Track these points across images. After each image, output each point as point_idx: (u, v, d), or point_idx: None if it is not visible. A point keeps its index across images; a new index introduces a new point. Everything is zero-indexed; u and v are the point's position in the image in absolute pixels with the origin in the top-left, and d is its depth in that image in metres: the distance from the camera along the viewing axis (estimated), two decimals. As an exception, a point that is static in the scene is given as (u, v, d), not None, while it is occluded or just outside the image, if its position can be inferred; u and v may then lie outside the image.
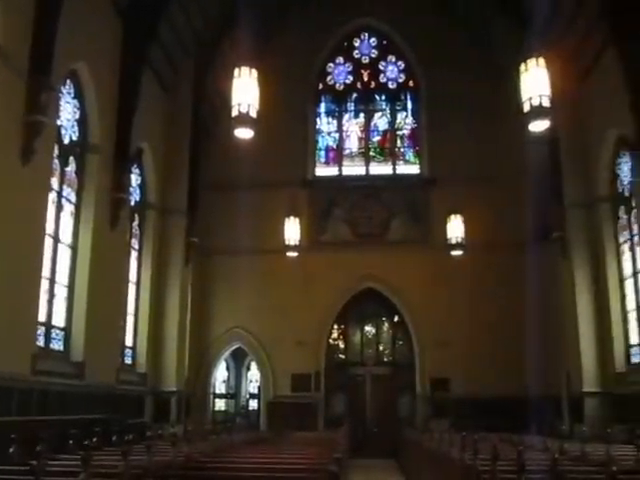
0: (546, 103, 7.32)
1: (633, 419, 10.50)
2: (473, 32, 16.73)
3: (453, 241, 13.67)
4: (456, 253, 13.71)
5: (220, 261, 16.28)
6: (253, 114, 7.31)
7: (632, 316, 11.98)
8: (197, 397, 15.63)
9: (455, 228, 13.71)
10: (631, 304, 12.02)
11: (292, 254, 13.88)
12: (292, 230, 13.83)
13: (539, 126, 7.52)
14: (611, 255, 12.65)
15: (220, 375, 19.52)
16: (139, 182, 13.74)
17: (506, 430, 10.16)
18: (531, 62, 7.53)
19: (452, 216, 13.79)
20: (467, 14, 16.64)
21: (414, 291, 15.88)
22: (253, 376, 19.94)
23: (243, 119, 7.30)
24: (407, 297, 16.09)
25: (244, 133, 7.50)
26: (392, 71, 18.30)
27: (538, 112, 7.33)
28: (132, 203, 12.93)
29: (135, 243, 13.44)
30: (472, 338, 15.17)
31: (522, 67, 7.57)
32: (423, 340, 15.88)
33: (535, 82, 7.39)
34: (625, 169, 12.31)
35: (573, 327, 12.85)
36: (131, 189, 12.65)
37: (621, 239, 12.52)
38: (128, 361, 12.81)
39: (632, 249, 12.02)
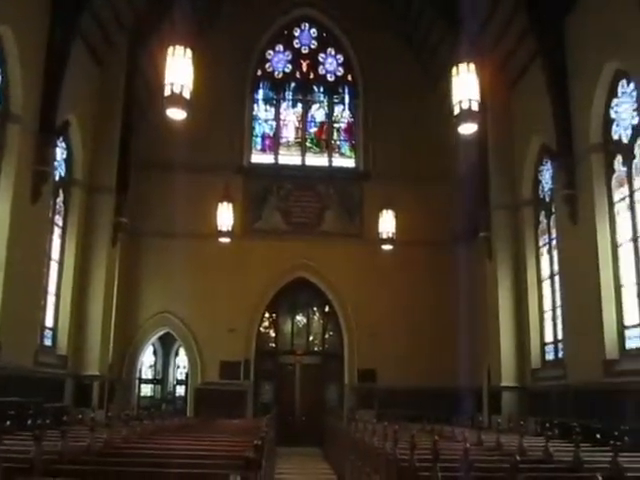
0: (475, 107, 7.45)
1: (545, 412, 11.13)
2: (412, 32, 17.02)
3: (384, 235, 13.79)
4: (387, 247, 13.92)
5: (150, 243, 15.89)
6: (186, 95, 7.09)
7: (548, 316, 12.57)
8: (122, 382, 15.24)
9: (387, 223, 13.83)
10: (547, 304, 12.60)
11: (225, 240, 13.70)
12: (225, 216, 13.62)
13: (468, 129, 7.65)
14: (531, 257, 13.20)
15: (147, 360, 19.16)
16: (65, 156, 13.13)
17: (430, 421, 10.49)
18: (462, 67, 7.67)
19: (384, 211, 13.91)
20: (406, 14, 16.90)
21: (346, 282, 16.07)
22: (181, 362, 19.69)
23: (176, 99, 7.07)
24: (338, 288, 16.25)
25: (177, 114, 7.28)
26: (331, 64, 18.36)
27: (467, 115, 7.43)
28: (57, 178, 12.37)
29: (59, 220, 12.87)
30: (401, 331, 15.51)
31: (454, 71, 7.68)
32: (353, 331, 16.11)
33: (465, 86, 7.49)
34: (547, 176, 12.83)
35: (495, 324, 13.37)
36: (56, 164, 12.08)
37: (541, 242, 13.06)
38: (48, 343, 12.32)
39: (550, 252, 12.55)
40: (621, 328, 9.67)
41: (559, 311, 11.83)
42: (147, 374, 19.55)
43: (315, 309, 17.11)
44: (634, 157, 9.63)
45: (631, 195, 9.64)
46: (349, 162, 17.76)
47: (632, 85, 9.61)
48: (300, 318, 17.17)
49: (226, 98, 16.37)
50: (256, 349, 16.12)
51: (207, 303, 15.54)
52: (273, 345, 16.85)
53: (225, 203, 13.59)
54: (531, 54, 12.37)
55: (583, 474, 4.93)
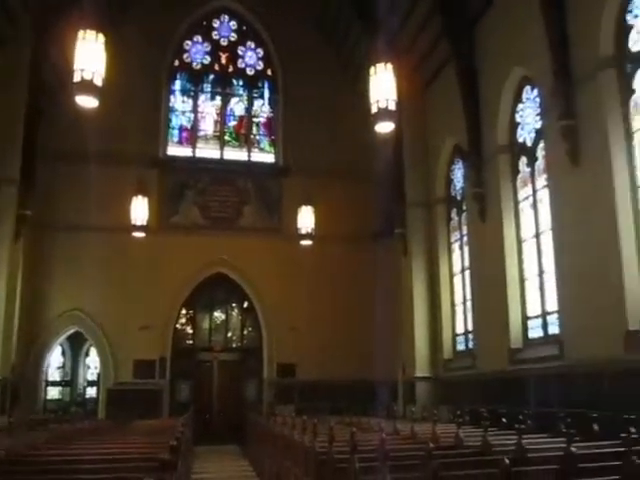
0: (392, 107, 7.76)
1: (457, 400, 11.70)
2: (332, 30, 17.26)
3: (303, 231, 13.94)
4: (305, 243, 14.09)
5: (60, 238, 15.14)
6: (98, 82, 6.85)
7: (459, 308, 13.21)
8: (26, 384, 14.50)
9: (305, 219, 13.99)
10: (459, 297, 13.25)
11: (139, 235, 13.34)
12: (139, 209, 13.24)
13: (385, 128, 7.94)
14: (444, 252, 13.84)
15: (55, 361, 18.36)
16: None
17: (349, 413, 10.74)
18: (380, 67, 7.95)
19: (303, 207, 14.06)
20: (325, 11, 17.11)
21: (265, 278, 16.09)
22: (92, 362, 19.00)
23: (86, 86, 6.80)
24: (258, 284, 16.25)
25: (87, 102, 7.00)
26: (251, 57, 18.28)
27: (384, 114, 7.76)
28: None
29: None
30: (320, 325, 15.73)
31: (371, 70, 7.96)
32: (272, 326, 16.16)
33: (382, 86, 7.79)
34: (459, 175, 13.46)
35: (409, 318, 13.91)
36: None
37: (453, 238, 13.71)
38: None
39: (461, 248, 13.20)
40: (525, 319, 10.37)
41: (469, 304, 12.47)
42: (55, 376, 18.73)
43: (234, 305, 17.01)
44: (537, 159, 10.31)
45: (534, 194, 10.31)
46: (268, 157, 17.77)
47: (536, 91, 10.28)
48: (218, 314, 17.03)
49: (141, 87, 15.92)
50: (172, 347, 15.82)
51: (121, 300, 15.07)
52: (190, 342, 16.61)
53: (140, 196, 13.24)
54: (445, 57, 12.92)
55: (491, 457, 5.20)
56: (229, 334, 16.95)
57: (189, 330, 16.71)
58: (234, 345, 16.89)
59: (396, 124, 8.26)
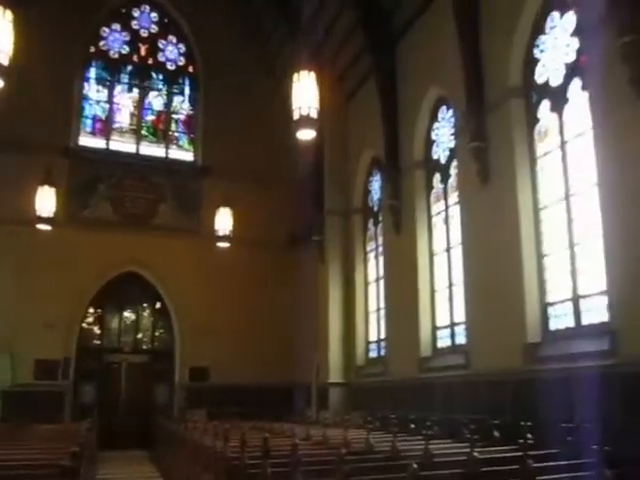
0: (314, 115, 7.92)
1: (368, 406, 12.11)
2: (257, 34, 17.33)
3: (221, 233, 13.82)
4: (223, 245, 13.99)
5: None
6: (4, 62, 6.48)
7: (373, 317, 13.68)
8: None
9: (224, 220, 13.88)
10: (373, 306, 13.71)
11: (44, 227, 12.64)
12: (46, 201, 12.61)
13: (306, 135, 8.06)
14: (360, 261, 14.28)
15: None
16: None
17: (262, 418, 10.88)
18: (303, 74, 8.13)
19: (221, 208, 13.96)
20: (248, 14, 17.17)
21: (180, 279, 15.92)
22: (-13, 363, 17.98)
23: (-9, 66, 6.39)
24: (172, 284, 16.06)
25: (-8, 82, 6.63)
26: (172, 52, 18.05)
27: (306, 122, 7.89)
28: None
29: None
30: (236, 329, 15.78)
31: (295, 77, 8.07)
32: (185, 329, 16.02)
33: (305, 93, 7.92)
34: (376, 186, 13.93)
35: (325, 324, 14.21)
36: None
37: (369, 248, 14.16)
38: None
39: (377, 258, 13.66)
40: (434, 329, 10.96)
41: (383, 312, 12.95)
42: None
43: (145, 305, 16.71)
44: (450, 176, 10.92)
45: (446, 210, 10.92)
46: (187, 155, 17.60)
47: (451, 112, 10.88)
48: (129, 314, 16.66)
49: (52, 72, 15.21)
50: (78, 347, 15.33)
51: (22, 296, 14.38)
52: (98, 342, 16.16)
53: (46, 187, 12.63)
54: (368, 70, 13.33)
55: (400, 462, 5.40)
56: (139, 335, 16.63)
57: (97, 330, 16.25)
58: (144, 347, 16.60)
59: (317, 132, 8.44)
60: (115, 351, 16.18)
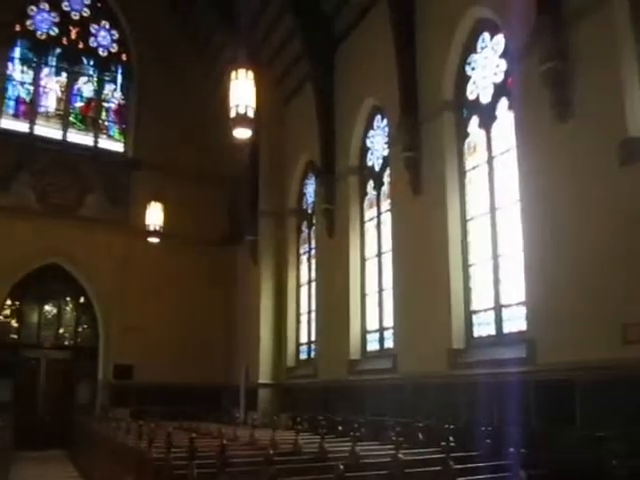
0: (250, 114, 8.02)
1: (298, 408, 12.33)
2: (196, 28, 17.12)
3: (151, 228, 13.59)
4: (153, 240, 13.74)
5: None
6: None
7: (304, 319, 13.91)
8: None
9: (154, 215, 13.65)
10: (304, 308, 13.94)
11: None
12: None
13: (242, 134, 8.12)
14: (293, 263, 14.46)
15: None
16: None
17: (191, 418, 10.87)
18: (241, 73, 8.20)
19: (153, 203, 13.73)
20: (190, 9, 16.97)
21: (107, 273, 15.52)
22: None
23: None
24: (98, 278, 15.62)
25: None
26: (105, 38, 17.54)
27: (242, 121, 7.97)
28: None
29: None
30: (164, 327, 15.57)
31: (233, 75, 8.13)
32: (110, 325, 15.64)
33: (243, 92, 7.99)
34: (310, 189, 14.14)
35: (256, 325, 14.31)
36: None
37: (302, 250, 14.37)
38: None
39: (309, 260, 13.89)
40: (364, 332, 11.29)
41: (314, 314, 13.20)
42: None
43: (68, 299, 16.20)
44: (383, 184, 11.27)
45: (378, 216, 11.27)
46: (118, 146, 17.17)
47: (386, 121, 11.21)
48: (50, 308, 16.11)
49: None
50: (-8, 340, 14.76)
51: None
52: (15, 337, 15.54)
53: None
54: (305, 75, 13.47)
55: (327, 463, 5.62)
56: (61, 330, 16.11)
57: (14, 323, 15.65)
58: (66, 342, 16.08)
59: (254, 132, 8.53)
60: (34, 346, 15.59)
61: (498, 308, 8.20)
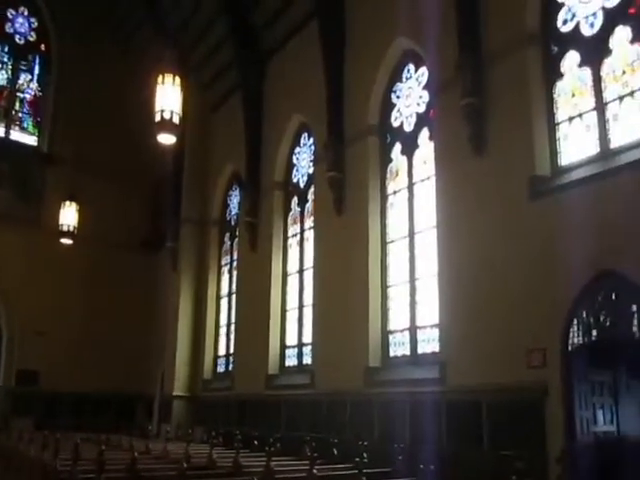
0: (176, 120, 8.00)
1: (214, 421, 12.33)
2: (124, 28, 16.82)
3: (65, 228, 13.21)
4: (66, 241, 13.35)
5: None
6: None
7: (223, 330, 13.91)
8: None
9: (69, 215, 13.27)
10: (224, 319, 13.94)
11: None
12: None
13: (167, 139, 8.09)
14: (213, 274, 14.41)
15: None
16: None
17: (102, 429, 10.66)
18: (168, 77, 8.26)
19: (68, 202, 13.34)
20: (115, 6, 16.64)
21: (12, 274, 14.76)
22: None
23: None
24: (4, 278, 14.78)
25: None
26: (22, 25, 16.88)
27: (167, 126, 7.93)
28: None
29: None
30: (77, 332, 15.10)
31: (159, 79, 8.09)
32: (14, 327, 14.92)
33: (169, 97, 7.96)
34: (235, 201, 14.17)
35: (173, 335, 14.18)
36: None
37: (223, 261, 14.35)
38: None
39: (231, 272, 13.91)
40: (283, 347, 11.48)
41: (233, 327, 13.25)
42: None
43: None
44: (307, 201, 11.52)
45: (301, 233, 11.51)
46: (31, 140, 16.49)
47: (312, 139, 11.48)
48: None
49: None
50: None
51: None
52: None
53: None
54: (235, 84, 13.45)
55: (241, 478, 5.77)
56: (-42, 333, 15.29)
57: None
58: (-38, 346, 15.29)
59: (179, 138, 8.56)
60: None
61: (413, 329, 8.64)
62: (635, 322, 5.92)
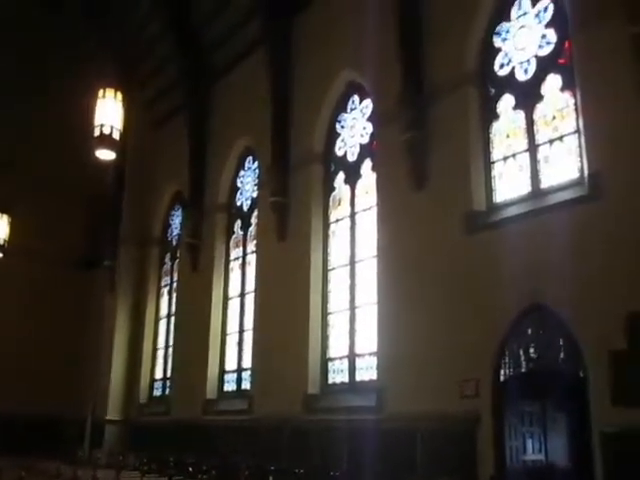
0: (116, 135, 7.94)
1: (148, 446, 12.01)
2: (66, 36, 16.38)
3: None
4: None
5: None
6: None
7: (161, 354, 13.65)
8: None
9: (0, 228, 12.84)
10: (162, 342, 13.69)
11: None
12: None
13: (106, 155, 7.98)
14: (152, 295, 14.13)
15: None
16: None
17: (28, 454, 10.27)
18: (110, 92, 8.22)
19: (-1, 214, 12.76)
20: (60, 13, 16.23)
21: None
22: None
23: None
24: None
25: None
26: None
27: (107, 142, 7.84)
28: None
29: None
30: (3, 352, 14.45)
31: (100, 93, 8.01)
32: None
33: (109, 112, 7.88)
34: (177, 221, 13.98)
35: (108, 356, 13.83)
36: None
37: (163, 282, 14.11)
38: None
39: (170, 293, 13.69)
40: (222, 372, 11.37)
41: (171, 350, 13.05)
42: None
43: None
44: (250, 225, 11.54)
45: (244, 257, 11.51)
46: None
47: (257, 163, 11.58)
48: None
49: None
50: None
51: None
52: None
53: None
54: (182, 103, 13.25)
55: None
56: None
57: None
58: None
59: (121, 154, 8.44)
60: None
61: (352, 357, 8.80)
62: (562, 355, 6.27)
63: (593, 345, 5.90)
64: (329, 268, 9.62)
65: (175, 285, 13.52)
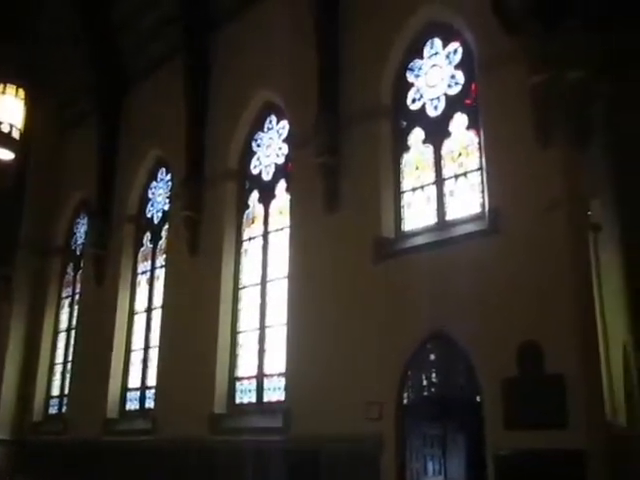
0: (16, 135, 7.76)
1: (41, 469, 11.51)
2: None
3: None
4: None
5: None
6: None
7: (59, 369, 13.03)
8: None
9: None
10: (60, 357, 13.08)
11: None
12: None
13: (4, 155, 7.75)
14: (52, 307, 13.47)
15: None
16: None
17: None
18: (11, 88, 7.90)
19: None
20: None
21: None
22: None
23: None
24: None
25: None
26: None
27: (5, 140, 7.66)
28: None
29: None
30: None
31: (0, 87, 7.77)
32: None
33: (10, 109, 7.65)
34: (82, 230, 13.43)
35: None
36: None
37: (64, 294, 13.49)
38: None
39: (72, 305, 13.14)
40: (124, 390, 11.04)
41: (70, 366, 12.52)
42: None
43: None
44: (160, 238, 11.31)
45: (152, 271, 11.26)
46: None
47: (169, 175, 11.41)
48: None
49: None
50: None
51: None
52: None
53: None
54: (92, 108, 12.82)
55: None
56: None
57: None
58: None
59: (22, 155, 8.13)
60: None
61: (260, 377, 8.87)
62: (461, 381, 6.68)
63: (489, 372, 6.32)
64: (240, 286, 9.64)
65: (77, 297, 12.97)
